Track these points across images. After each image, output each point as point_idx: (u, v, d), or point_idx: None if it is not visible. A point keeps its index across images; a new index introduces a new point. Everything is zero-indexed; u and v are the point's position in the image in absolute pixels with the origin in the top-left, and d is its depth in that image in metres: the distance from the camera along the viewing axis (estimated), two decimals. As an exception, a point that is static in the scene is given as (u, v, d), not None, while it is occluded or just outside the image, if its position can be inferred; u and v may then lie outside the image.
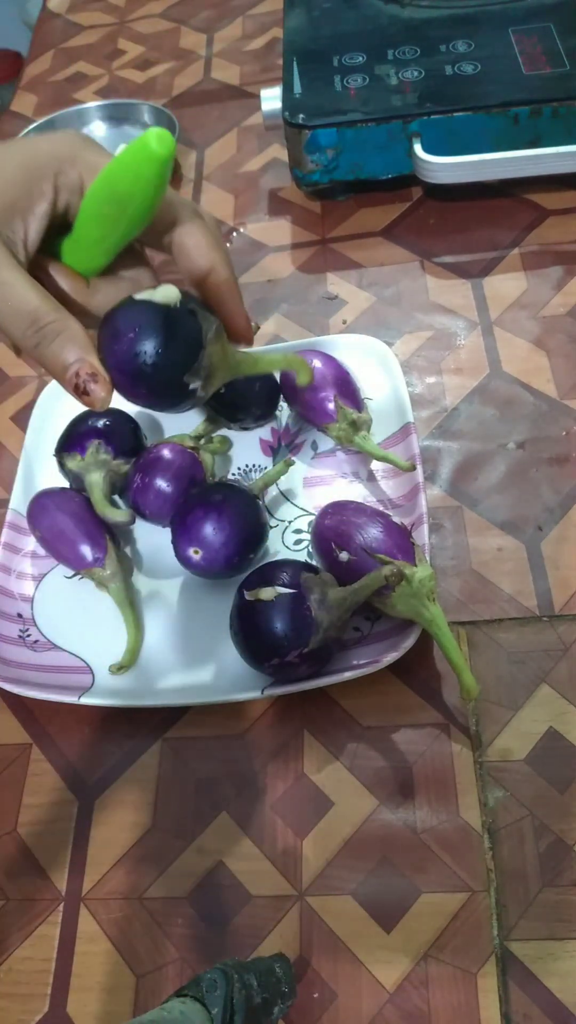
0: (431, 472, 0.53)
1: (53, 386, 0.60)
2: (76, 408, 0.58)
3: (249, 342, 0.41)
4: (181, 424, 0.55)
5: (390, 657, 0.42)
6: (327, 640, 0.42)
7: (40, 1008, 0.39)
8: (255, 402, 0.52)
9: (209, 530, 0.46)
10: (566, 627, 0.45)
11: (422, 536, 0.46)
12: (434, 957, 0.37)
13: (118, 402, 0.37)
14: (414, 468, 0.49)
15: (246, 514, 0.47)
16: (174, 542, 0.47)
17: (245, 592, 0.42)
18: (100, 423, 0.52)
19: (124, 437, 0.53)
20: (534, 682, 0.44)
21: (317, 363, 0.52)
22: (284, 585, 0.42)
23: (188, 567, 0.47)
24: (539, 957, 0.37)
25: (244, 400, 0.52)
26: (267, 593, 0.41)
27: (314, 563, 0.47)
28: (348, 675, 0.43)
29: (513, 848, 0.39)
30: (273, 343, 0.58)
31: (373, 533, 0.44)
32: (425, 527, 0.47)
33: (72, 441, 0.52)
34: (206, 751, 0.45)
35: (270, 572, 0.43)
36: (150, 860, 0.42)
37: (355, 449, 0.52)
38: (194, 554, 0.46)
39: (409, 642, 0.43)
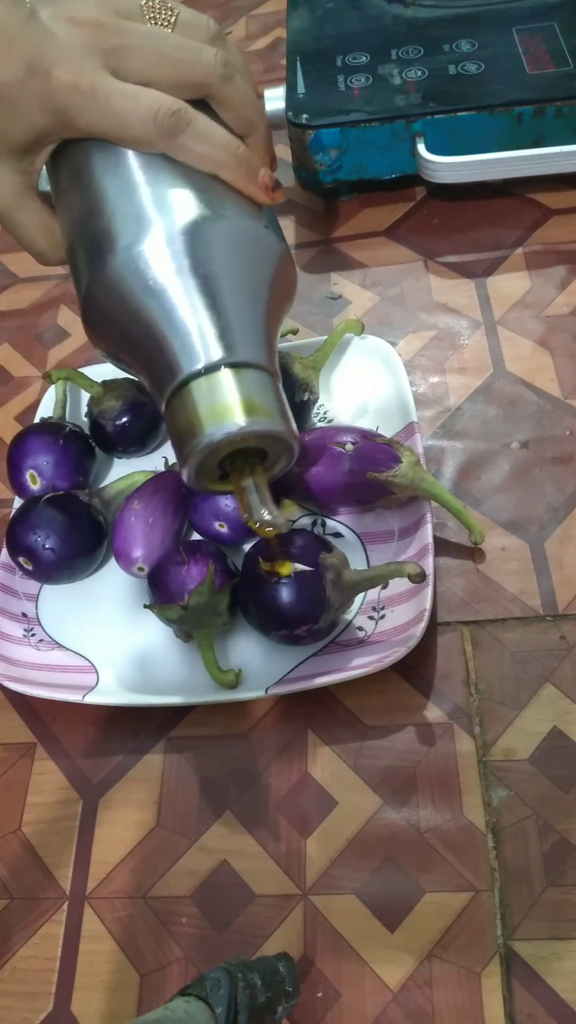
0: (435, 472, 0.53)
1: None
2: (80, 408, 0.58)
3: (273, 202, 0.40)
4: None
5: (394, 656, 0.42)
6: (335, 618, 0.43)
7: (44, 1007, 0.39)
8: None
9: (231, 503, 0.48)
10: (570, 626, 0.45)
11: (425, 536, 0.46)
12: (438, 957, 0.37)
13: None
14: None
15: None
16: (194, 517, 0.49)
17: (261, 562, 0.43)
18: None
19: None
20: (538, 681, 0.44)
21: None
22: (296, 557, 0.42)
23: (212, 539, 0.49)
24: (543, 957, 0.37)
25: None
26: (286, 568, 0.42)
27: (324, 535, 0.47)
28: (352, 674, 0.43)
29: (517, 848, 0.39)
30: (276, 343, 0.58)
31: (353, 436, 0.48)
32: (429, 527, 0.47)
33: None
34: (210, 750, 0.45)
35: (283, 541, 0.43)
36: (154, 859, 0.42)
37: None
38: (220, 527, 0.48)
39: (413, 641, 0.43)
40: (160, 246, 0.35)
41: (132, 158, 0.36)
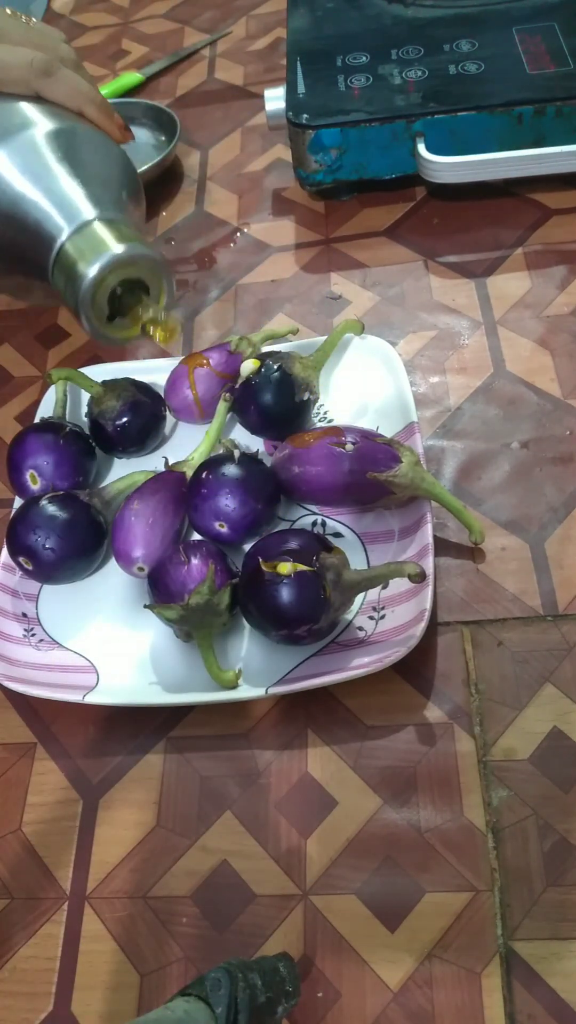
0: (435, 472, 0.53)
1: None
2: (81, 408, 0.58)
3: (125, 140, 0.55)
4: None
5: (394, 656, 0.42)
6: (335, 618, 0.44)
7: (44, 1007, 0.39)
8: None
9: (231, 503, 0.47)
10: (570, 626, 0.45)
11: (425, 536, 0.46)
12: (438, 957, 0.37)
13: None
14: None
15: (263, 486, 0.48)
16: (194, 517, 0.49)
17: (261, 562, 0.43)
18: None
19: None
20: (538, 682, 0.44)
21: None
22: (297, 556, 0.42)
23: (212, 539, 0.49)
24: (543, 957, 0.37)
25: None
26: (286, 568, 0.42)
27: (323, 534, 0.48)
28: (352, 674, 0.43)
29: (517, 848, 0.39)
30: (277, 343, 0.58)
31: (355, 436, 0.48)
32: (429, 527, 0.47)
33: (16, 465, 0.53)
34: (210, 750, 0.45)
35: (283, 541, 0.44)
36: (154, 859, 0.42)
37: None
38: (220, 527, 0.48)
39: (413, 641, 0.43)
40: (40, 139, 0.48)
41: (17, 101, 0.50)
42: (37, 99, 0.51)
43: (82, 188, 0.48)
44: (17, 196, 0.47)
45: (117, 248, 0.46)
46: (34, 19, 0.52)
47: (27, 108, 0.50)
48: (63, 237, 0.46)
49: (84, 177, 0.48)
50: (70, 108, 0.51)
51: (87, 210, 0.47)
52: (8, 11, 0.51)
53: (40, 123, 0.49)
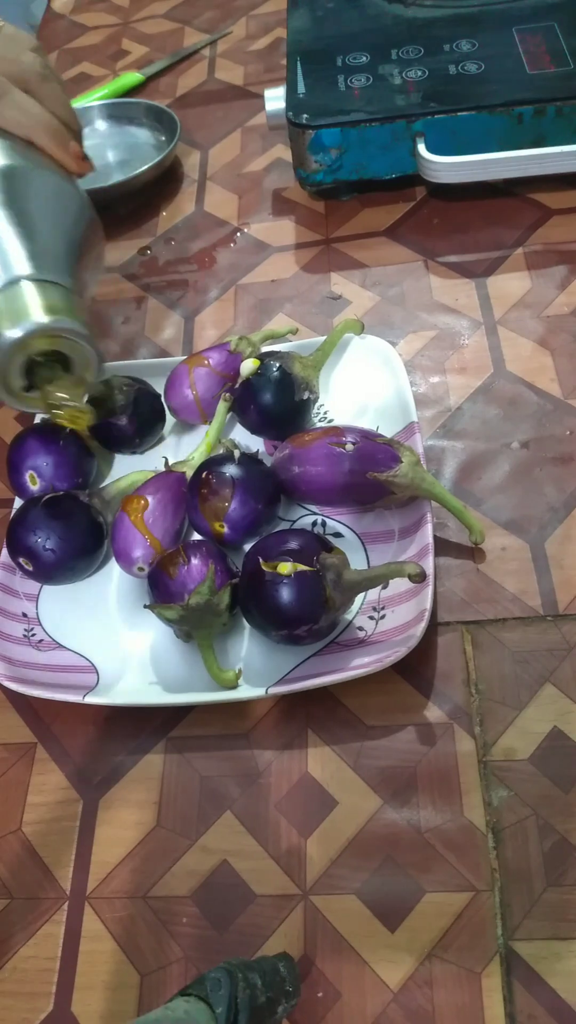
0: (435, 472, 0.53)
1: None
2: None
3: (82, 172, 0.50)
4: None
5: (394, 656, 0.42)
6: (335, 618, 0.44)
7: (44, 1007, 0.39)
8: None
9: (231, 503, 0.47)
10: (570, 626, 0.45)
11: (426, 536, 0.46)
12: (438, 957, 0.37)
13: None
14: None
15: (263, 486, 0.48)
16: (194, 517, 0.49)
17: (261, 562, 0.43)
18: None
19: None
20: (538, 682, 0.44)
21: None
22: (297, 557, 0.42)
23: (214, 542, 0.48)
24: (543, 957, 0.37)
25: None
26: (286, 568, 0.42)
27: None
28: (352, 674, 0.43)
29: (517, 848, 0.39)
30: (278, 343, 0.58)
31: (355, 437, 0.48)
32: (429, 527, 0.47)
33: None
34: (210, 750, 0.45)
35: (283, 541, 0.44)
36: (154, 859, 0.42)
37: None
38: (220, 527, 0.48)
39: (413, 641, 0.43)
40: None
41: None
42: None
43: (19, 240, 0.43)
44: None
45: (41, 318, 0.42)
46: (5, 24, 0.47)
47: None
48: None
49: (24, 227, 0.44)
50: (19, 136, 0.47)
51: (20, 266, 0.42)
52: None
53: None
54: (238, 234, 0.72)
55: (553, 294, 0.60)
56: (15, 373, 0.44)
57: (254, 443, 0.54)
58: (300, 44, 0.72)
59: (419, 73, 0.66)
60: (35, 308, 0.42)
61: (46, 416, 0.56)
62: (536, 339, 0.58)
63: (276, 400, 0.51)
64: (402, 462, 0.46)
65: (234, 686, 0.44)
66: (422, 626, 0.43)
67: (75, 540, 0.49)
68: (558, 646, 0.45)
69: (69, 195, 0.47)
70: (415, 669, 0.45)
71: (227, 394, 0.52)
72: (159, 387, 0.57)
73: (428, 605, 0.43)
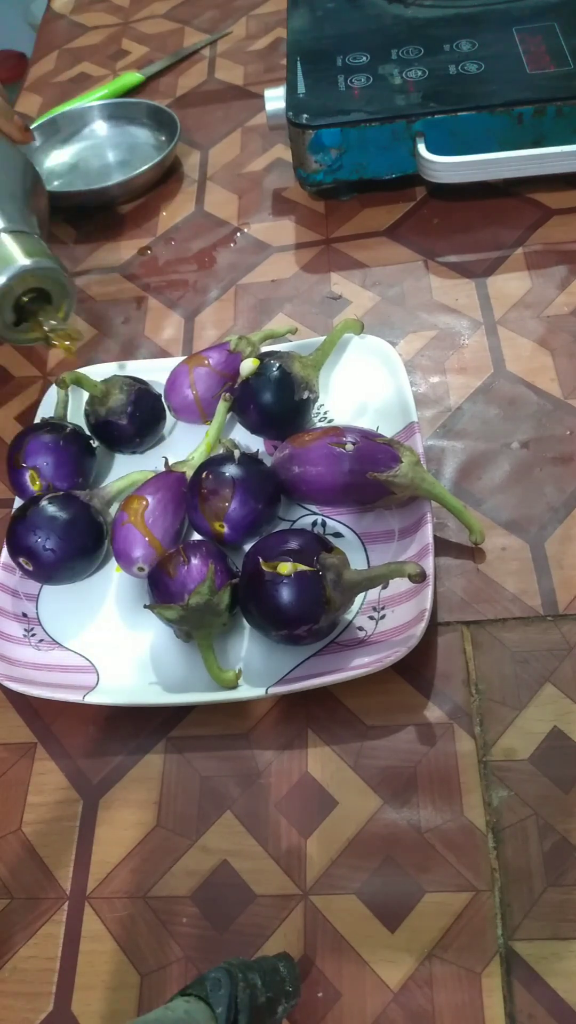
0: (435, 472, 0.53)
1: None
2: (80, 409, 0.58)
3: (25, 141, 0.62)
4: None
5: (394, 656, 0.42)
6: (335, 618, 0.44)
7: (45, 1007, 0.39)
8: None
9: (231, 503, 0.47)
10: (570, 626, 0.45)
11: (426, 536, 0.46)
12: (438, 957, 0.37)
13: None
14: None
15: (263, 486, 0.48)
16: (194, 517, 0.49)
17: (261, 562, 0.43)
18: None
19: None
20: (538, 682, 0.44)
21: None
22: (297, 557, 0.42)
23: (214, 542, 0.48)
24: (543, 957, 0.37)
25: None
26: (286, 568, 0.42)
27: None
28: (352, 674, 0.43)
29: (517, 848, 0.39)
30: (277, 343, 0.58)
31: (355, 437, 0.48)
32: (429, 527, 0.47)
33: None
34: (210, 750, 0.45)
35: (283, 541, 0.44)
36: (154, 859, 0.42)
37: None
38: (220, 527, 0.47)
39: (413, 641, 0.43)
40: None
41: None
42: None
43: None
44: None
45: (24, 261, 0.52)
46: None
47: None
48: None
49: None
50: None
51: None
52: None
53: None
54: (238, 234, 0.72)
55: (553, 294, 0.60)
56: (7, 310, 0.54)
57: (254, 443, 0.54)
58: (300, 44, 0.72)
59: (419, 73, 0.66)
60: (17, 254, 0.52)
61: (46, 416, 0.57)
62: (536, 339, 0.58)
63: (276, 400, 0.51)
64: (402, 462, 0.46)
65: (234, 686, 0.44)
66: (422, 626, 0.43)
67: (75, 540, 0.49)
68: (558, 646, 0.45)
69: (17, 158, 0.58)
70: (415, 669, 0.45)
71: (227, 394, 0.52)
72: (159, 387, 0.57)
73: (428, 605, 0.43)
